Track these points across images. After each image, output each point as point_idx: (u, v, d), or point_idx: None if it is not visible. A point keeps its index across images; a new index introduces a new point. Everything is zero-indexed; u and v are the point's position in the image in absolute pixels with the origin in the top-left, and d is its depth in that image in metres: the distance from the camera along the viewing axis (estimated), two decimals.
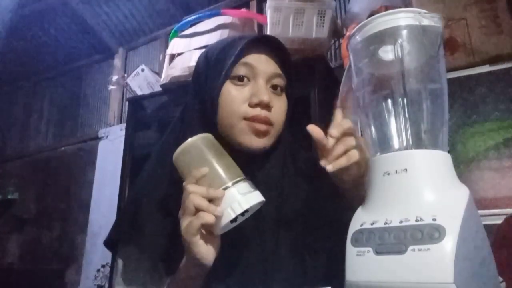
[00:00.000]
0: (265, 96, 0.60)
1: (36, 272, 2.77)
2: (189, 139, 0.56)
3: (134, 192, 0.74)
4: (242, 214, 0.53)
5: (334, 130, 0.54)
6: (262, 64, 0.63)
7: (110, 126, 2.80)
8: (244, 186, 0.54)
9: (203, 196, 0.52)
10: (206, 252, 0.53)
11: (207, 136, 0.58)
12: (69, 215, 2.76)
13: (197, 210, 0.51)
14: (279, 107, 0.64)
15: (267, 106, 0.61)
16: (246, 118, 0.61)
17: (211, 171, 0.54)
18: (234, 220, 0.53)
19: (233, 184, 0.53)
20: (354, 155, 0.54)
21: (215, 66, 0.64)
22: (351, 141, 0.55)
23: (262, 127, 0.61)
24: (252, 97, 0.61)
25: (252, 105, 0.61)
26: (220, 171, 0.54)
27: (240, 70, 0.62)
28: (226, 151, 0.58)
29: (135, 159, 1.82)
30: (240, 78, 0.62)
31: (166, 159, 0.60)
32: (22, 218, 3.01)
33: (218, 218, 0.52)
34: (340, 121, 0.57)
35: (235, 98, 0.61)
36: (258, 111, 0.60)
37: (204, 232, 0.53)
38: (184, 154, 0.56)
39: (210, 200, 0.52)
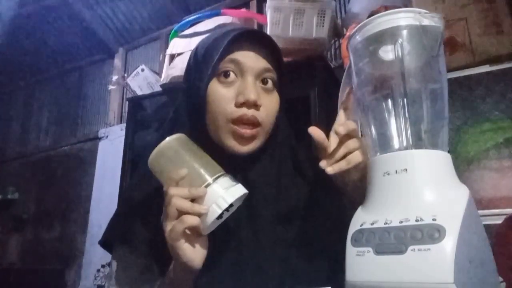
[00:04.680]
0: (252, 94, 0.57)
1: (36, 272, 2.77)
2: (163, 141, 0.55)
3: (128, 193, 0.73)
4: (227, 209, 0.52)
5: (341, 128, 0.53)
6: (250, 60, 0.60)
7: (110, 126, 2.80)
8: (225, 180, 0.53)
9: (185, 197, 0.51)
10: (193, 255, 0.52)
11: (181, 136, 0.57)
12: (69, 215, 2.77)
13: (180, 213, 0.50)
14: (269, 105, 0.61)
15: (254, 105, 0.58)
16: (232, 121, 0.58)
17: (190, 171, 0.52)
18: (220, 216, 0.52)
19: (214, 180, 0.52)
20: (354, 158, 0.54)
21: (202, 64, 0.61)
22: (353, 143, 0.54)
23: (247, 132, 0.58)
24: (239, 96, 0.58)
25: (238, 105, 0.58)
26: (199, 169, 0.53)
27: (226, 66, 0.60)
28: (217, 151, 0.58)
29: (135, 159, 1.82)
30: (226, 74, 0.59)
31: None
32: (22, 218, 3.01)
33: (203, 216, 0.50)
34: (344, 121, 0.56)
35: (222, 98, 0.59)
36: (244, 111, 0.57)
37: (190, 233, 0.51)
38: (159, 157, 0.55)
39: (193, 200, 0.51)
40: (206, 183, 0.52)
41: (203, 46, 0.63)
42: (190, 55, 0.67)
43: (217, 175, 0.53)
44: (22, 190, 3.12)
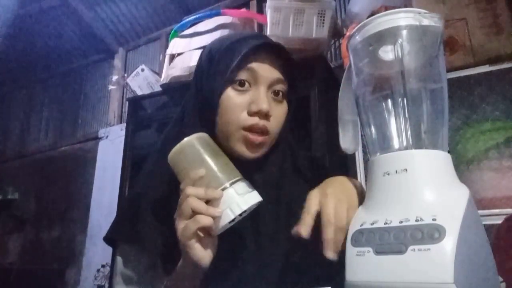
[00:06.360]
0: (264, 104, 0.59)
1: (36, 272, 2.77)
2: (185, 139, 0.55)
3: (134, 190, 0.73)
4: (240, 214, 0.52)
5: (303, 229, 0.51)
6: (265, 70, 0.61)
7: (110, 126, 2.81)
8: (242, 186, 0.54)
9: (201, 198, 0.51)
10: (203, 254, 0.52)
11: (203, 135, 0.57)
12: (69, 215, 2.76)
13: (194, 212, 0.51)
14: (279, 115, 0.63)
15: (265, 115, 0.60)
16: (244, 128, 0.59)
17: (208, 172, 0.53)
18: (232, 220, 0.52)
19: (231, 184, 0.53)
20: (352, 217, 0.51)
21: (217, 68, 0.62)
22: (339, 219, 0.50)
23: (257, 139, 0.60)
24: (252, 105, 0.59)
25: (251, 113, 0.59)
26: (217, 171, 0.53)
27: (242, 74, 0.61)
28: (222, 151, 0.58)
29: (135, 159, 1.82)
30: (241, 83, 0.61)
31: (166, 157, 0.59)
32: (22, 218, 3.01)
33: (217, 219, 0.51)
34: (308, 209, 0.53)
35: (235, 106, 0.60)
36: (256, 120, 0.59)
37: (201, 234, 0.52)
38: (179, 154, 0.55)
39: (208, 201, 0.52)
40: (222, 186, 0.52)
41: (218, 50, 0.64)
42: (201, 57, 0.67)
43: (234, 180, 0.53)
44: (22, 190, 3.12)
